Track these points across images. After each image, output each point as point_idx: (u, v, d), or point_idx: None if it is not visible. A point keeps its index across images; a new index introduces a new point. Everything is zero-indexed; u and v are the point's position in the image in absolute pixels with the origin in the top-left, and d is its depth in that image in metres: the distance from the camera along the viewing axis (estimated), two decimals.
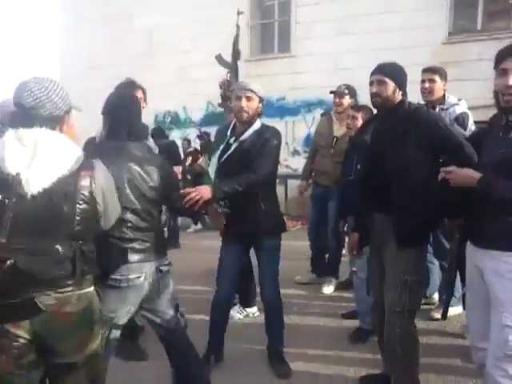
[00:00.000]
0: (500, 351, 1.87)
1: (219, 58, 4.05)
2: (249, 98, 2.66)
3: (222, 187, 2.47)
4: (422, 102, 3.32)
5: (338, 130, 3.99)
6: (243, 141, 2.70)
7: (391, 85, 2.29)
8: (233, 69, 3.76)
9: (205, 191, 2.34)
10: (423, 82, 3.42)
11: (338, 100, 3.95)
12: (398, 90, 2.32)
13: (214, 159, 2.82)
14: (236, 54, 3.72)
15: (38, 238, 1.56)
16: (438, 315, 3.21)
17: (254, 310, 3.69)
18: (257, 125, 2.73)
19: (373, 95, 2.33)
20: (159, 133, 4.86)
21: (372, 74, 2.38)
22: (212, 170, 2.85)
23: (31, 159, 1.56)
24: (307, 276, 4.49)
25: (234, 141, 2.74)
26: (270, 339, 2.92)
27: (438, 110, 3.27)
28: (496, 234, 1.89)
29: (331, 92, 4.05)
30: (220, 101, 4.23)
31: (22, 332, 1.58)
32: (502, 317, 1.86)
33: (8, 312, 1.56)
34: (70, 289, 1.62)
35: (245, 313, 3.67)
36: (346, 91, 3.93)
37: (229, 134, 2.80)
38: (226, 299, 2.89)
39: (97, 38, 10.64)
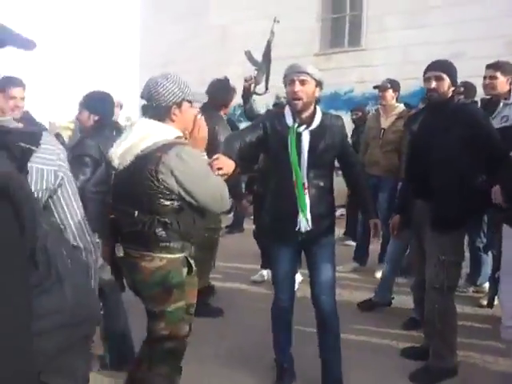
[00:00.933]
0: None
1: (249, 55, 3.99)
2: (303, 82, 2.30)
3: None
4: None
5: (385, 122, 4.25)
6: (314, 130, 2.36)
7: (447, 81, 2.50)
8: (262, 70, 3.75)
9: (226, 162, 2.08)
10: (484, 78, 3.50)
11: (381, 94, 4.15)
12: (451, 86, 2.50)
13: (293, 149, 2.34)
14: (267, 56, 3.71)
15: (123, 202, 1.99)
16: (485, 302, 3.32)
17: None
18: (319, 111, 2.42)
19: (430, 90, 2.52)
20: (231, 125, 5.12)
21: (428, 69, 2.57)
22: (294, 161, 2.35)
23: (120, 142, 1.99)
24: (351, 265, 4.71)
25: (304, 129, 2.36)
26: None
27: (502, 104, 3.28)
28: None
29: (375, 87, 4.27)
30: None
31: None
32: None
33: None
34: (144, 248, 1.98)
35: None
36: (389, 85, 4.12)
37: (290, 122, 2.37)
38: (286, 309, 2.54)
39: (173, 33, 11.35)
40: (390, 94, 4.16)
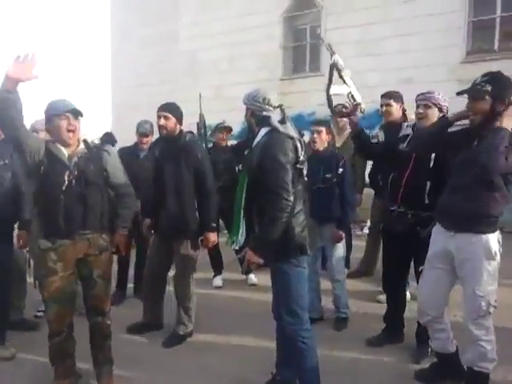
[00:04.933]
0: (475, 314, 2.53)
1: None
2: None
3: None
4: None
5: (338, 141, 4.77)
6: None
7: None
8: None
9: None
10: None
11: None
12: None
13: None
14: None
15: None
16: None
17: None
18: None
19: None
20: None
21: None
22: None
23: None
24: None
25: None
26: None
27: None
28: None
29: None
30: None
31: None
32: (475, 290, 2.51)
33: None
34: None
35: None
36: (344, 109, 4.42)
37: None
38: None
39: (143, 57, 11.82)
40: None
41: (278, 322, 2.62)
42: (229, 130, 4.95)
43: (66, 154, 2.51)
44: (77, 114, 2.48)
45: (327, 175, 3.65)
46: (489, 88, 2.41)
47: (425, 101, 3.03)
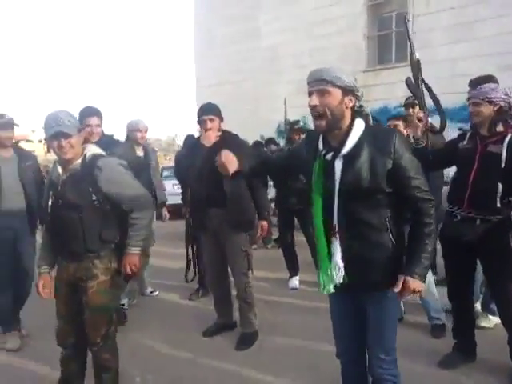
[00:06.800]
0: None
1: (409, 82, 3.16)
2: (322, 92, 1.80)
3: None
4: None
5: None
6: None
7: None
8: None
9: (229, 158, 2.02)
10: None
11: (411, 110, 4.15)
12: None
13: None
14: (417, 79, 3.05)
15: None
16: None
17: None
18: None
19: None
20: (271, 141, 6.53)
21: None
22: None
23: None
24: None
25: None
26: None
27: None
28: None
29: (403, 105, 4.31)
30: None
31: None
32: None
33: None
34: None
35: None
36: (416, 101, 4.19)
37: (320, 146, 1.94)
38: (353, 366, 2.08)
39: (226, 55, 12.01)
40: (417, 109, 4.12)
41: (370, 372, 1.97)
42: (302, 131, 4.80)
43: (59, 173, 2.37)
44: (66, 134, 2.24)
45: None
46: None
47: (473, 99, 2.70)
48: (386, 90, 9.15)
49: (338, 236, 1.80)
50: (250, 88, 11.51)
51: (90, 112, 3.50)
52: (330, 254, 1.81)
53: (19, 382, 2.97)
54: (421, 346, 3.19)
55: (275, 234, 6.35)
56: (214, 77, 12.38)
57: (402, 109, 4.32)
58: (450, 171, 3.61)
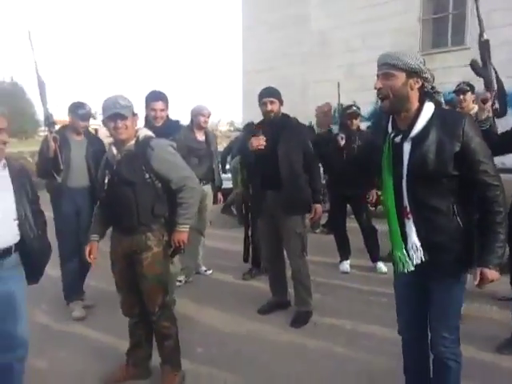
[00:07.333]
0: None
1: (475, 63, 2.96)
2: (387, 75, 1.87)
3: None
4: None
5: None
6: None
7: None
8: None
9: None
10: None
11: (462, 97, 4.03)
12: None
13: None
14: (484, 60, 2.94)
15: None
16: None
17: None
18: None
19: None
20: None
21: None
22: None
23: None
24: None
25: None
26: None
27: None
28: None
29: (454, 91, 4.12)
30: None
31: None
32: None
33: None
34: None
35: None
36: (468, 88, 4.04)
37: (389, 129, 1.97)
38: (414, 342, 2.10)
39: (274, 41, 11.95)
40: (469, 96, 4.05)
41: (432, 350, 2.00)
42: (356, 116, 4.73)
43: (114, 153, 2.56)
44: (122, 116, 2.44)
45: None
46: None
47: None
48: (441, 74, 8.81)
49: (410, 217, 1.84)
50: (298, 73, 11.43)
51: (155, 96, 3.64)
52: (403, 235, 1.86)
53: (84, 351, 3.17)
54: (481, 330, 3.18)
55: (323, 220, 6.40)
56: (261, 62, 12.37)
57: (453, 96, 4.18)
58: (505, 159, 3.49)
